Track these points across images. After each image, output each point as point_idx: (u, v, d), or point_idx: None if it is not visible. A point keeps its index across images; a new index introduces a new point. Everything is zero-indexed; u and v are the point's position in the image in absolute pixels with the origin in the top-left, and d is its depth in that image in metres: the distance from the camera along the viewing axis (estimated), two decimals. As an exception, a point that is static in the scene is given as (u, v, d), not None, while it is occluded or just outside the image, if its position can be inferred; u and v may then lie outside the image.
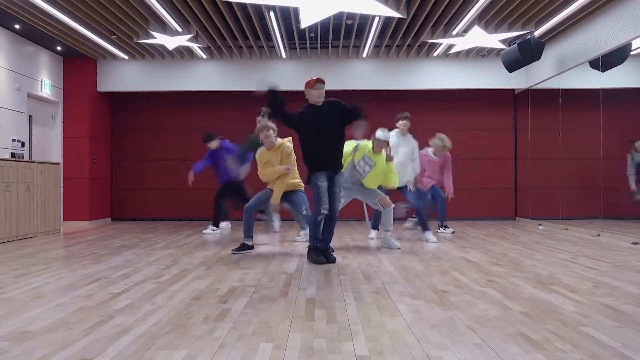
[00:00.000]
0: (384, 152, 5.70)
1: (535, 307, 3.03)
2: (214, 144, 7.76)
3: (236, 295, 3.39)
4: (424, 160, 7.16)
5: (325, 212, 4.88)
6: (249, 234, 5.54)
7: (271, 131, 5.62)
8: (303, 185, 5.68)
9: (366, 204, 6.20)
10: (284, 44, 8.74)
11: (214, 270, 4.34)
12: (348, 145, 5.60)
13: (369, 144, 5.71)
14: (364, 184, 5.78)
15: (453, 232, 7.49)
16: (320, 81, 4.96)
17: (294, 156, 5.73)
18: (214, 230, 7.70)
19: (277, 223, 7.40)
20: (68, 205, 9.18)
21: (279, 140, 5.71)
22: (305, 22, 6.81)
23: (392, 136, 6.34)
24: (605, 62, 7.13)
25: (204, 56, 9.42)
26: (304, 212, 5.72)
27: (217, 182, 7.87)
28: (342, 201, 5.69)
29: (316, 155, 4.88)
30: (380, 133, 5.64)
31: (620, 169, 8.11)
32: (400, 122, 6.67)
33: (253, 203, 5.57)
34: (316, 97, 4.93)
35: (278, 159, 5.63)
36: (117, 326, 2.66)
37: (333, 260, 4.83)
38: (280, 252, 5.50)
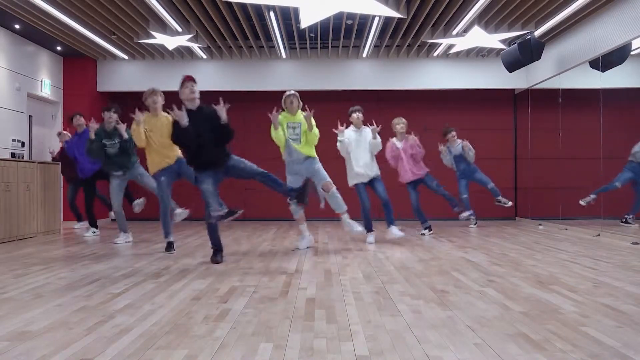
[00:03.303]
0: (300, 113, 5.57)
1: (535, 307, 3.03)
2: (79, 122, 7.05)
3: (236, 295, 3.39)
4: (388, 152, 7.00)
5: (216, 213, 4.64)
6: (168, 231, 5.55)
7: (160, 98, 5.58)
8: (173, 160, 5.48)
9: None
10: (284, 44, 8.74)
11: (214, 270, 4.34)
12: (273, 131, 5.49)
13: (282, 115, 5.56)
14: (302, 151, 5.50)
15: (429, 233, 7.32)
16: (190, 79, 4.78)
17: None
18: (94, 232, 7.25)
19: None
20: (68, 205, 9.17)
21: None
22: (305, 22, 6.81)
23: (348, 132, 6.28)
24: (605, 62, 7.12)
25: (204, 56, 9.42)
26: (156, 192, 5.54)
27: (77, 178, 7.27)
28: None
29: (196, 155, 4.72)
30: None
31: (620, 169, 8.10)
32: (353, 115, 6.35)
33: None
34: (188, 94, 4.73)
35: (163, 125, 5.42)
36: (117, 326, 2.66)
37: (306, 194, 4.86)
38: (280, 252, 5.50)
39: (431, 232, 7.33)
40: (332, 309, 3.01)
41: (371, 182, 6.31)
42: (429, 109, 10.05)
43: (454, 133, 8.19)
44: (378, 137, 6.25)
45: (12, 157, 7.60)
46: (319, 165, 5.61)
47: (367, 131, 6.31)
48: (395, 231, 6.35)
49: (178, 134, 4.68)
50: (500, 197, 8.42)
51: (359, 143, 6.25)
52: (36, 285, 3.75)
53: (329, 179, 5.59)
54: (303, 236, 5.83)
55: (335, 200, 5.66)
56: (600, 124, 7.35)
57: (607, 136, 7.40)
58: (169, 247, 5.53)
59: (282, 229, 8.19)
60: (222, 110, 4.66)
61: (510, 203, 8.41)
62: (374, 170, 6.29)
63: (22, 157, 7.93)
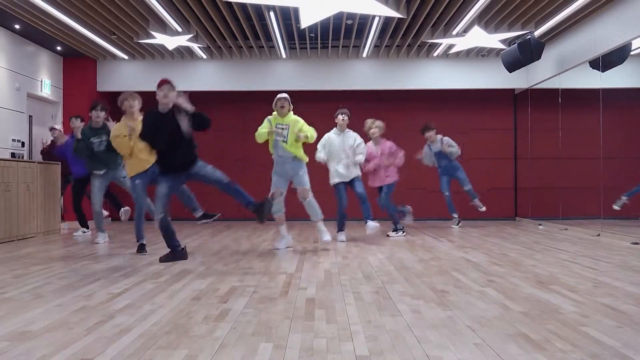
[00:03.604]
0: (290, 115, 5.62)
1: (535, 307, 3.03)
2: (75, 125, 6.83)
3: (236, 295, 3.39)
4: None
5: (159, 217, 4.71)
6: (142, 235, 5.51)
7: (137, 102, 5.58)
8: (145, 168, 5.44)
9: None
10: (284, 44, 8.74)
11: (214, 270, 4.34)
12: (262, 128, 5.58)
13: (272, 115, 5.63)
14: (290, 150, 5.55)
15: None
16: (165, 82, 4.76)
17: None
18: (84, 232, 7.26)
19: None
20: (68, 205, 9.17)
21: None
22: (305, 22, 6.81)
23: (330, 134, 6.45)
24: (605, 62, 7.13)
25: (204, 56, 9.42)
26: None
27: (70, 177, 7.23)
28: (283, 191, 5.63)
29: (164, 157, 4.75)
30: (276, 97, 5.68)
31: (620, 169, 8.10)
32: (340, 117, 6.45)
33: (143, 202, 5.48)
34: (161, 98, 4.73)
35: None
36: (117, 326, 2.66)
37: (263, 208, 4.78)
38: (280, 252, 5.50)
39: (404, 232, 7.11)
40: (332, 309, 3.01)
41: (351, 182, 6.48)
42: (429, 109, 10.05)
43: (430, 133, 8.06)
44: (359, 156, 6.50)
45: (12, 157, 7.60)
46: (303, 171, 5.67)
47: (350, 135, 6.48)
48: (371, 225, 6.43)
49: (145, 132, 4.71)
50: (476, 200, 8.33)
51: (341, 145, 6.42)
52: (36, 285, 3.75)
53: (307, 186, 5.65)
54: (282, 236, 5.85)
55: (311, 207, 5.73)
56: (600, 124, 7.35)
57: (607, 136, 7.40)
58: (141, 248, 5.41)
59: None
60: (183, 102, 4.68)
61: (484, 208, 8.30)
62: (354, 172, 6.47)
63: (22, 157, 7.93)
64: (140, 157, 5.37)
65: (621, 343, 2.36)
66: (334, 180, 6.47)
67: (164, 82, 4.77)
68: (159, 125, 4.67)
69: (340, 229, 6.58)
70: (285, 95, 5.65)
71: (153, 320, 2.77)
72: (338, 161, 6.43)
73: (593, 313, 2.90)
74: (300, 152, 5.65)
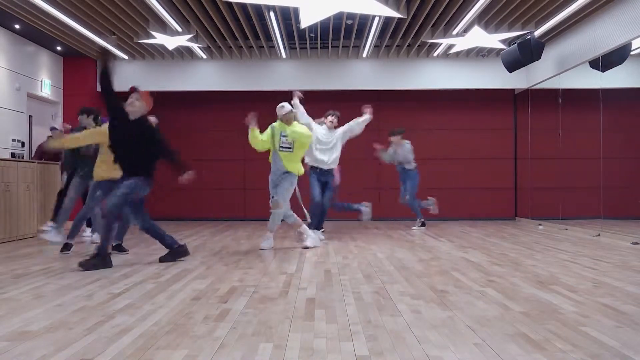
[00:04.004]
0: (295, 124, 5.79)
1: (535, 307, 3.04)
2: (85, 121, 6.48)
3: (236, 295, 3.39)
4: None
5: (139, 225, 4.92)
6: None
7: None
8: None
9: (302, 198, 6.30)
10: (284, 44, 8.74)
11: (214, 270, 4.34)
12: (265, 135, 5.74)
13: (277, 123, 5.77)
14: (284, 163, 5.67)
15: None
16: (132, 90, 4.75)
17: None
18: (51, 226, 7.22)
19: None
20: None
21: None
22: (305, 22, 6.81)
23: (319, 129, 6.51)
24: (605, 62, 7.13)
25: (204, 56, 9.42)
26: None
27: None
28: (281, 203, 5.66)
29: (117, 158, 4.81)
30: (280, 106, 5.75)
31: (620, 169, 8.10)
32: (329, 117, 6.58)
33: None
34: (128, 104, 4.69)
35: None
36: (117, 326, 2.66)
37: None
38: (281, 252, 5.50)
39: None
40: (332, 309, 3.01)
41: (326, 183, 6.54)
42: (429, 109, 10.05)
43: (396, 137, 8.00)
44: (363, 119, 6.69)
45: (12, 157, 7.59)
46: (289, 183, 5.71)
47: (338, 134, 6.56)
48: (312, 236, 6.16)
49: (111, 136, 4.80)
50: (416, 226, 8.14)
51: (327, 142, 6.51)
52: (36, 285, 3.75)
53: (281, 201, 5.63)
54: (307, 235, 5.89)
55: (272, 219, 5.75)
56: (600, 124, 7.35)
57: (607, 136, 7.40)
58: (66, 247, 5.42)
59: (282, 229, 8.18)
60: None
61: (416, 232, 7.99)
62: (333, 163, 6.52)
63: (22, 157, 7.93)
64: (110, 165, 5.13)
65: (621, 343, 2.37)
66: (308, 159, 6.42)
67: (132, 90, 4.80)
68: (121, 125, 4.72)
69: (317, 226, 6.50)
70: (290, 107, 5.79)
71: (153, 320, 2.77)
72: (323, 154, 6.46)
73: (593, 313, 2.90)
74: (295, 167, 5.75)
